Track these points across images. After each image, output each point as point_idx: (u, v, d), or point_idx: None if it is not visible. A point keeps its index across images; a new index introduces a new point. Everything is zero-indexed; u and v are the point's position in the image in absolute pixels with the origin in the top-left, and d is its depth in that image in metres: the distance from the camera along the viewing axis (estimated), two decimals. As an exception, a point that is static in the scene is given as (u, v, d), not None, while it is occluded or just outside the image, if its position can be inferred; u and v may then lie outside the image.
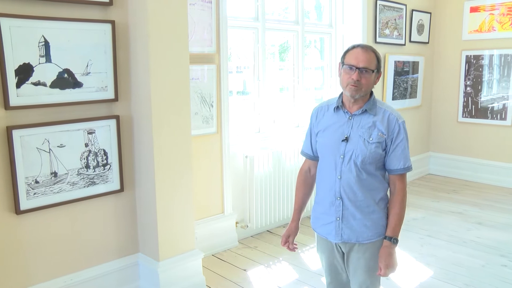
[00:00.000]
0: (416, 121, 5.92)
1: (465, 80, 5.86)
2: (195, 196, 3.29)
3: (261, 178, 3.96)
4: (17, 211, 2.45)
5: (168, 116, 2.81)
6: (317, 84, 4.99)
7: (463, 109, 5.92)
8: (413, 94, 5.85)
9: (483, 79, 5.71)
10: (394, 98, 5.54)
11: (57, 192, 2.60)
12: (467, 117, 5.90)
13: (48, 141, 2.53)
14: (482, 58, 5.68)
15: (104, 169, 2.79)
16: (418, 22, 5.72)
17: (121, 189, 2.88)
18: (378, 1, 5.04)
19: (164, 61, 2.75)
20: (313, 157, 2.10)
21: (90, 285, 2.80)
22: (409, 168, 1.94)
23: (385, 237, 1.95)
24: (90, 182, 2.73)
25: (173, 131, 2.85)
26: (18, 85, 2.38)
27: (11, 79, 2.35)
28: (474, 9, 5.69)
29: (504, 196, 5.28)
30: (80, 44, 2.58)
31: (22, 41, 2.37)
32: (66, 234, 2.69)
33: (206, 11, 3.43)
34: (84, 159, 2.70)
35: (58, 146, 2.57)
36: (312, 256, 3.59)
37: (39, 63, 2.45)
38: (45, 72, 2.47)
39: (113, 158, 2.82)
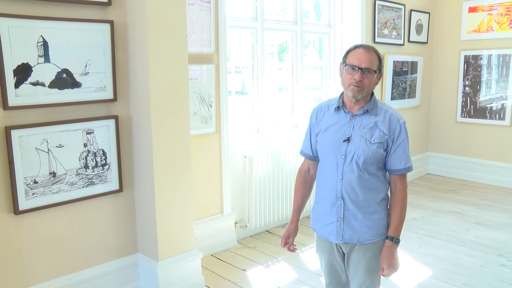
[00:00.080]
0: (415, 121, 5.93)
1: (463, 80, 5.87)
2: (194, 196, 3.30)
3: (260, 178, 3.96)
4: (16, 211, 2.45)
5: (167, 116, 2.81)
6: (316, 84, 4.99)
7: (462, 109, 5.93)
8: (412, 94, 5.85)
9: (481, 79, 5.71)
10: (393, 98, 5.55)
11: (56, 192, 2.60)
12: (466, 117, 5.90)
13: (47, 141, 2.53)
14: (481, 58, 5.69)
15: (103, 169, 2.79)
16: (417, 22, 5.72)
17: (120, 189, 2.88)
18: (377, 1, 5.04)
19: (163, 61, 2.75)
20: (313, 157, 2.10)
21: (89, 285, 2.80)
22: (410, 168, 1.95)
23: (386, 237, 1.96)
24: (89, 182, 2.73)
25: (172, 131, 2.85)
26: (17, 85, 2.38)
27: (10, 79, 2.35)
28: (472, 9, 5.69)
29: (503, 196, 5.29)
30: (78, 44, 2.58)
31: (21, 41, 2.37)
32: (65, 234, 2.69)
33: (205, 11, 3.43)
34: (83, 159, 2.69)
35: (57, 146, 2.57)
36: (311, 256, 3.59)
37: (38, 63, 2.45)
38: (44, 72, 2.47)
39: (112, 158, 2.82)
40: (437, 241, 3.95)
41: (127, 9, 2.76)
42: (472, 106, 5.84)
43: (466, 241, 3.94)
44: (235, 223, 3.91)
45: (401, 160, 1.92)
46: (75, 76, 2.59)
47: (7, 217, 2.45)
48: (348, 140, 1.90)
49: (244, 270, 3.44)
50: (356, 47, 1.90)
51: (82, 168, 2.69)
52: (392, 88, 5.52)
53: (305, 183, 2.15)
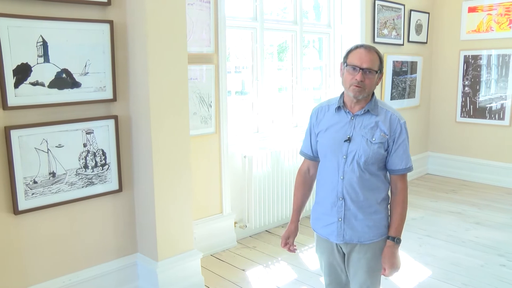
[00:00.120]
0: (414, 121, 5.93)
1: (463, 80, 5.87)
2: (194, 196, 3.29)
3: (259, 178, 3.96)
4: (16, 211, 2.45)
5: (166, 116, 2.81)
6: (316, 84, 4.99)
7: (462, 109, 5.93)
8: (411, 94, 5.86)
9: (481, 79, 5.71)
10: (392, 98, 5.55)
11: (56, 192, 2.60)
12: (466, 117, 5.91)
13: (47, 141, 2.53)
14: (480, 58, 5.69)
15: (102, 169, 2.79)
16: (417, 22, 5.72)
17: (120, 189, 2.88)
18: (376, 1, 5.04)
19: (162, 61, 2.75)
20: (313, 157, 2.09)
21: (89, 285, 2.80)
22: (410, 168, 1.95)
23: (388, 237, 1.96)
24: (88, 182, 2.73)
25: (171, 131, 2.85)
26: (16, 85, 2.38)
27: (9, 79, 2.35)
28: (472, 9, 5.70)
29: (503, 196, 5.29)
30: (78, 44, 2.58)
31: (20, 41, 2.37)
32: (64, 234, 2.69)
33: (204, 11, 3.43)
34: (83, 159, 2.69)
35: (56, 146, 2.57)
36: (310, 256, 3.59)
37: (37, 63, 2.44)
38: (43, 72, 2.47)
39: (112, 158, 2.82)
40: (436, 241, 3.95)
41: (127, 9, 2.76)
42: (471, 106, 5.84)
43: (466, 241, 3.94)
44: (235, 223, 3.91)
45: (402, 160, 1.92)
46: (74, 76, 2.59)
47: (7, 217, 2.45)
48: (349, 140, 1.90)
49: (243, 270, 3.44)
50: (357, 47, 1.89)
51: (81, 168, 2.69)
52: (392, 88, 5.53)
53: (305, 183, 2.15)
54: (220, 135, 3.67)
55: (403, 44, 5.56)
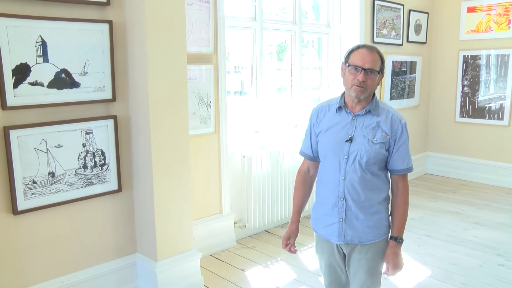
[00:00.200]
0: (413, 121, 5.93)
1: (462, 80, 5.88)
2: (193, 196, 3.29)
3: (259, 178, 3.96)
4: (15, 211, 2.45)
5: (165, 116, 2.81)
6: (315, 84, 5.00)
7: (461, 109, 5.93)
8: (410, 94, 5.86)
9: (480, 79, 5.72)
10: (391, 98, 5.55)
11: (55, 193, 2.59)
12: (465, 117, 5.91)
13: (46, 141, 2.53)
14: (479, 58, 5.70)
15: (101, 169, 2.79)
16: (416, 22, 5.73)
17: (119, 189, 2.88)
18: (375, 1, 5.05)
19: (161, 61, 2.75)
20: (313, 158, 2.09)
21: (88, 286, 2.79)
22: (411, 169, 1.96)
23: (390, 237, 1.96)
24: (87, 182, 2.73)
25: (171, 131, 2.85)
26: (15, 85, 2.38)
27: (8, 79, 2.35)
28: (471, 9, 5.70)
29: (502, 195, 5.30)
30: (77, 44, 2.58)
31: (19, 41, 2.37)
32: (63, 234, 2.69)
33: (203, 11, 3.43)
34: (82, 159, 2.69)
35: (55, 146, 2.57)
36: (310, 256, 3.59)
37: (36, 63, 2.44)
38: (43, 72, 2.47)
39: (111, 158, 2.82)
40: (436, 241, 3.95)
41: (126, 9, 2.76)
42: (470, 106, 5.84)
43: (465, 241, 3.94)
44: (234, 223, 3.91)
45: (404, 160, 1.93)
46: (73, 76, 2.59)
47: (6, 217, 2.45)
48: (350, 140, 1.89)
49: (243, 270, 3.44)
50: (359, 47, 1.89)
51: (81, 168, 2.69)
52: (391, 88, 5.53)
53: (305, 183, 2.14)
54: (220, 135, 3.67)
55: (402, 44, 5.56)
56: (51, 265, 2.66)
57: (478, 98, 5.76)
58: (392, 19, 5.33)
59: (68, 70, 2.56)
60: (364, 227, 1.93)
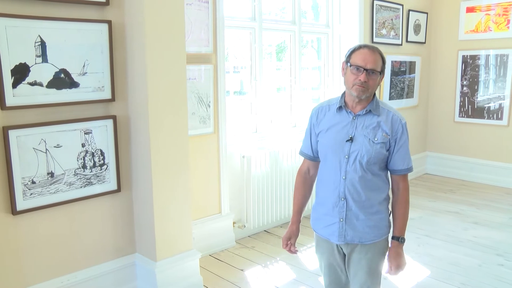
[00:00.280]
0: (413, 121, 5.93)
1: (461, 80, 5.88)
2: (192, 196, 3.29)
3: (258, 178, 3.96)
4: (14, 211, 2.44)
5: (165, 116, 2.81)
6: (314, 84, 5.00)
7: (460, 109, 5.94)
8: (410, 94, 5.86)
9: (479, 79, 5.72)
10: (391, 98, 5.55)
11: (54, 193, 2.59)
12: (464, 117, 5.91)
13: (45, 141, 2.52)
14: (479, 58, 5.70)
15: (101, 169, 2.78)
16: (415, 22, 5.73)
17: (118, 189, 2.87)
18: (375, 1, 5.05)
19: (161, 61, 2.75)
20: (313, 158, 2.09)
21: (87, 286, 2.79)
22: (411, 169, 1.96)
23: (392, 237, 1.97)
24: (87, 183, 2.73)
25: (170, 131, 2.85)
26: (14, 85, 2.38)
27: (7, 79, 2.35)
28: (470, 9, 5.70)
29: (501, 195, 5.30)
30: (76, 44, 2.58)
31: (18, 41, 2.36)
32: (63, 234, 2.69)
33: (203, 11, 3.43)
34: (81, 159, 2.69)
35: (54, 146, 2.56)
36: (309, 256, 3.59)
37: (36, 63, 2.44)
38: (42, 72, 2.47)
39: (110, 158, 2.82)
40: (435, 241, 3.95)
41: (125, 9, 2.76)
42: (470, 106, 5.85)
43: (464, 241, 3.95)
44: (233, 223, 3.91)
45: (404, 160, 1.93)
46: (73, 76, 2.59)
47: (5, 218, 2.45)
48: (351, 140, 1.89)
49: (242, 270, 3.43)
50: (360, 47, 1.88)
51: (80, 168, 2.69)
52: (390, 88, 5.53)
53: (305, 183, 2.14)
54: (219, 135, 3.67)
55: (401, 44, 5.56)
56: (50, 265, 2.66)
57: (477, 98, 5.77)
58: (391, 19, 5.33)
59: (67, 70, 2.56)
60: (364, 227, 1.93)
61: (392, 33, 5.38)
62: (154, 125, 2.76)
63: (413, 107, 5.98)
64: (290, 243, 2.12)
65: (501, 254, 3.67)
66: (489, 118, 5.68)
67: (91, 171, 2.74)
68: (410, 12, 5.60)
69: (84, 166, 2.71)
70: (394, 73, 5.53)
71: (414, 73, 5.87)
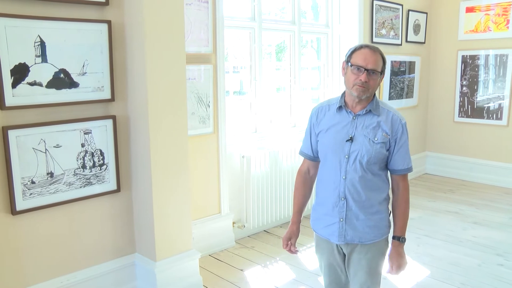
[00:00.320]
0: (412, 121, 5.93)
1: (461, 80, 5.88)
2: (192, 196, 3.29)
3: (258, 178, 3.96)
4: (13, 211, 2.44)
5: (164, 116, 2.81)
6: (314, 84, 5.00)
7: (459, 109, 5.94)
8: (409, 94, 5.86)
9: (479, 79, 5.73)
10: (390, 98, 5.56)
11: (54, 193, 2.59)
12: (463, 117, 5.92)
13: (44, 141, 2.52)
14: (478, 58, 5.70)
15: (100, 169, 2.78)
16: (415, 22, 5.73)
17: (118, 189, 2.87)
18: (374, 1, 5.05)
19: (160, 61, 2.75)
20: (313, 158, 2.09)
21: (87, 286, 2.79)
22: (411, 168, 1.97)
23: (393, 237, 1.97)
24: (86, 183, 2.73)
25: (169, 131, 2.85)
26: (14, 85, 2.38)
27: (7, 79, 2.35)
28: (469, 9, 5.71)
29: (500, 195, 5.30)
30: (76, 44, 2.58)
31: (18, 41, 2.36)
32: (62, 234, 2.69)
33: (202, 11, 3.43)
34: (81, 159, 2.69)
35: (54, 146, 2.56)
36: (309, 256, 3.59)
37: (35, 63, 2.44)
38: (41, 72, 2.47)
39: (110, 158, 2.82)
40: (435, 241, 3.95)
41: (125, 9, 2.76)
42: (469, 106, 5.85)
43: (464, 241, 3.95)
44: (233, 223, 3.91)
45: (404, 160, 1.93)
46: (72, 76, 2.59)
47: (4, 218, 2.45)
48: (351, 139, 1.89)
49: (242, 270, 3.43)
50: (361, 47, 1.88)
51: (79, 168, 2.69)
52: (390, 88, 5.53)
53: (305, 183, 2.14)
54: (218, 135, 3.67)
55: (401, 44, 5.56)
56: (50, 265, 2.66)
57: (476, 98, 5.77)
58: (391, 19, 5.34)
59: (67, 70, 2.56)
60: (364, 227, 1.93)
61: (392, 33, 5.38)
62: (154, 125, 2.76)
63: (412, 107, 5.98)
64: (291, 243, 2.12)
65: (501, 254, 3.67)
66: (488, 118, 5.68)
67: (91, 171, 2.74)
68: (410, 12, 5.60)
69: (83, 166, 2.71)
70: (393, 73, 5.53)
71: (414, 73, 5.87)
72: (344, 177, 1.91)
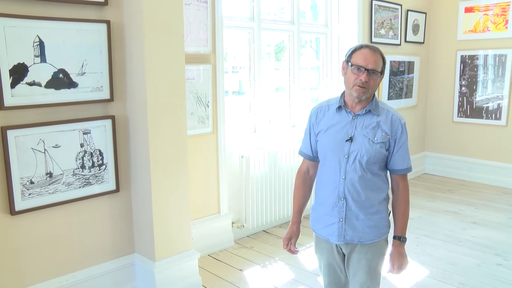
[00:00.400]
0: (411, 121, 5.94)
1: (460, 80, 5.89)
2: (191, 196, 3.29)
3: (257, 178, 3.96)
4: (12, 212, 2.44)
5: (164, 116, 2.81)
6: (313, 84, 5.00)
7: (458, 109, 5.95)
8: (408, 94, 5.87)
9: (478, 79, 5.73)
10: (389, 98, 5.56)
11: (53, 193, 2.59)
12: (462, 117, 5.92)
13: (43, 142, 2.52)
14: (477, 58, 5.71)
15: (99, 170, 2.78)
16: (414, 22, 5.73)
17: (117, 190, 2.87)
18: (373, 1, 5.05)
19: (159, 61, 2.75)
20: (312, 158, 2.09)
21: (86, 286, 2.79)
22: (410, 168, 1.97)
23: (394, 237, 1.98)
24: (85, 183, 2.72)
25: (169, 131, 2.85)
26: (13, 85, 2.37)
27: (6, 79, 2.34)
28: (468, 10, 5.71)
29: (500, 195, 5.31)
30: (75, 44, 2.57)
31: (17, 41, 2.36)
32: (61, 234, 2.68)
33: (201, 11, 3.43)
34: (80, 159, 2.69)
35: (53, 147, 2.56)
36: (308, 256, 3.59)
37: (34, 63, 2.44)
38: (40, 72, 2.46)
39: (109, 159, 2.81)
40: (434, 241, 3.95)
41: (124, 9, 2.75)
42: (468, 106, 5.85)
43: (463, 241, 3.95)
44: (232, 223, 3.91)
45: (404, 160, 1.94)
46: (71, 76, 2.59)
47: (3, 218, 2.44)
48: (351, 139, 1.89)
49: (241, 270, 3.43)
50: (362, 47, 1.88)
51: (78, 168, 2.69)
52: (389, 88, 5.54)
53: (305, 183, 2.14)
54: (218, 135, 3.67)
55: (400, 44, 5.57)
56: (49, 266, 2.65)
57: (475, 98, 5.77)
58: (390, 19, 5.34)
59: (66, 70, 2.56)
60: (364, 227, 1.93)
61: (391, 33, 5.38)
62: (153, 125, 2.76)
63: (411, 107, 5.98)
64: (291, 243, 2.12)
65: (500, 254, 3.67)
66: (487, 118, 5.69)
67: (90, 171, 2.74)
68: (409, 12, 5.60)
69: (82, 166, 2.70)
70: (392, 73, 5.53)
71: (413, 73, 5.88)
72: (343, 177, 1.91)
